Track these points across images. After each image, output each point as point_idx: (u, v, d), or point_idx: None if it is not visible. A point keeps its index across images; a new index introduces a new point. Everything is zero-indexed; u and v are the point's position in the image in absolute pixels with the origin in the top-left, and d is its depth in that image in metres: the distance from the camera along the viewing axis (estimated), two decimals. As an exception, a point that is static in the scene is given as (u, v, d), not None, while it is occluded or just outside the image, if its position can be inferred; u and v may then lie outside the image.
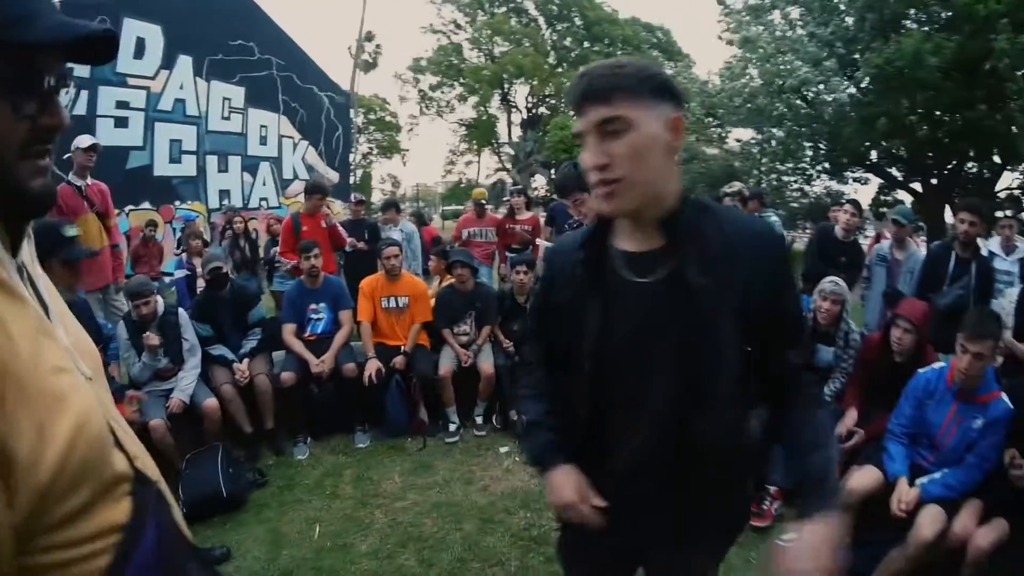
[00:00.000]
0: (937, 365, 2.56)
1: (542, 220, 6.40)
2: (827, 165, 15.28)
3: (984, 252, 4.26)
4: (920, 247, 4.84)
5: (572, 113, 1.11)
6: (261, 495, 3.33)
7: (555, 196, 5.68)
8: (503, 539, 2.86)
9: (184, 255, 6.44)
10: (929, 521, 2.27)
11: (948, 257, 3.70)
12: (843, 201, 4.71)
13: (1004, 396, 2.37)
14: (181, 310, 3.73)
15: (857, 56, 11.74)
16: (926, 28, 11.23)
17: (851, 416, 2.93)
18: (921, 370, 2.58)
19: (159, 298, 3.57)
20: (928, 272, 3.80)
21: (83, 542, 0.65)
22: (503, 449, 3.88)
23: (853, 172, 16.05)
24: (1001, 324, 2.53)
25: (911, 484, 2.39)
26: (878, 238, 6.04)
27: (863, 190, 17.01)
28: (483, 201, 6.32)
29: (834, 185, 16.56)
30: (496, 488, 3.38)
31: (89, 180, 4.32)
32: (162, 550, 0.74)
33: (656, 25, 29.26)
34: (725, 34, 14.67)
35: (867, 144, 13.18)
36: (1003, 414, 2.33)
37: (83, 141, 4.30)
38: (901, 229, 4.29)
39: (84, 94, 7.46)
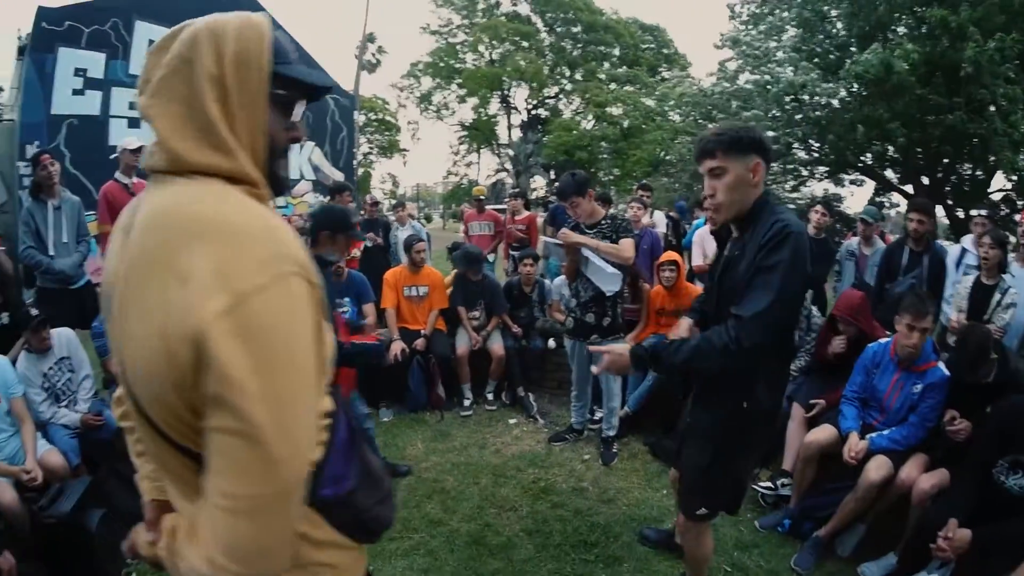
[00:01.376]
0: (883, 340, 2.98)
1: (540, 220, 6.93)
2: (823, 168, 15.62)
3: (959, 247, 4.60)
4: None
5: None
6: (297, 459, 3.74)
7: (555, 198, 6.22)
8: (515, 490, 3.30)
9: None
10: (876, 467, 2.65)
11: (902, 251, 4.12)
12: (815, 203, 5.12)
13: (941, 364, 2.79)
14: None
15: (848, 61, 12.06)
16: (914, 34, 11.54)
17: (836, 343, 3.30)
18: (870, 344, 3.00)
19: None
20: (885, 265, 4.22)
21: (320, 418, 0.90)
22: (512, 420, 4.35)
23: (849, 175, 16.40)
24: (934, 305, 2.93)
25: (862, 438, 2.78)
26: (853, 235, 6.46)
27: (859, 192, 17.36)
28: (482, 198, 6.89)
29: (832, 187, 16.96)
30: (507, 451, 3.83)
31: (134, 178, 4.53)
32: (351, 435, 1.00)
33: (652, 26, 29.56)
34: (719, 40, 15.07)
35: (853, 148, 13.55)
36: (939, 380, 2.74)
37: (130, 143, 4.55)
38: (868, 227, 4.71)
39: (98, 95, 7.50)
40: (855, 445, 2.74)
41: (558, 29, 28.83)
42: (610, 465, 3.61)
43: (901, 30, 12.18)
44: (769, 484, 3.15)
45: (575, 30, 28.55)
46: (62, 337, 3.25)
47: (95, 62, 7.52)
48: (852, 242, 4.95)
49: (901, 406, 2.81)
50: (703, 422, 1.95)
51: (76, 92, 7.38)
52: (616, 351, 1.84)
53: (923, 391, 2.75)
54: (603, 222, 3.50)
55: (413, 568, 2.65)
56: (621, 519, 2.98)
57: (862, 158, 14.75)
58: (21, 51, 7.33)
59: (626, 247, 3.40)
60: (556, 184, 3.80)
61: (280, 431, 0.70)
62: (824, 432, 2.92)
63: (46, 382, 3.13)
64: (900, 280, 4.01)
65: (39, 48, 6.99)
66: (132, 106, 8.06)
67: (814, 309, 3.70)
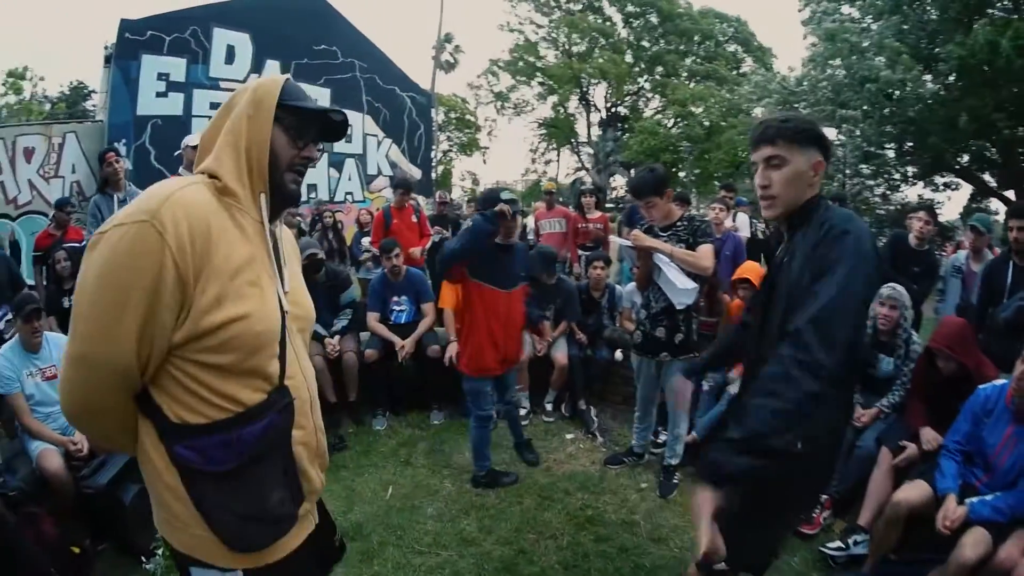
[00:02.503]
0: (999, 382, 2.52)
1: (613, 220, 6.61)
2: (915, 169, 14.30)
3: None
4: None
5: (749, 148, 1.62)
6: (340, 457, 3.69)
7: (629, 199, 5.88)
8: (559, 515, 3.09)
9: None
10: (972, 542, 2.22)
11: (1006, 268, 3.51)
12: (916, 208, 4.50)
13: (1068, 421, 2.35)
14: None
15: (939, 50, 10.90)
16: (1015, 16, 10.29)
17: (929, 434, 2.80)
18: (982, 386, 2.55)
19: None
20: (986, 285, 3.63)
21: (214, 393, 1.04)
22: (568, 436, 4.13)
23: (943, 177, 14.96)
24: None
25: (960, 502, 2.36)
26: (957, 248, 5.70)
27: (954, 197, 15.81)
28: (552, 191, 6.59)
29: (925, 192, 15.58)
30: (558, 470, 3.62)
31: None
32: (260, 441, 1.07)
33: (731, 17, 28.22)
34: (808, 25, 14.05)
35: (954, 146, 12.24)
36: (1063, 439, 2.29)
37: (192, 139, 4.66)
38: (979, 238, 4.06)
39: (180, 97, 8.13)
40: (952, 512, 2.33)
41: (634, 24, 28.06)
42: (668, 498, 3.31)
43: (997, 13, 10.87)
44: (840, 544, 2.75)
45: (652, 22, 27.71)
46: None
47: (176, 67, 8.15)
48: (959, 256, 4.31)
49: (1012, 467, 2.36)
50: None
51: (159, 95, 8.02)
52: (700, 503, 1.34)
53: (1042, 451, 2.31)
54: (678, 224, 3.16)
55: (434, 586, 2.54)
56: (670, 563, 2.70)
57: (958, 159, 13.34)
58: (107, 59, 8.03)
59: (704, 255, 3.03)
60: (631, 181, 3.50)
61: (85, 321, 0.98)
62: (916, 490, 2.51)
63: (102, 362, 3.35)
64: (1005, 303, 3.40)
65: (123, 56, 7.65)
66: (212, 106, 8.52)
67: (914, 334, 3.20)
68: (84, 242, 4.94)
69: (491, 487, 3.36)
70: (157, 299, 0.97)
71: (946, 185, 15.56)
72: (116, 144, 6.79)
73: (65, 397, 1.05)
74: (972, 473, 2.50)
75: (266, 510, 1.10)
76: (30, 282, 5.70)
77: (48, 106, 22.94)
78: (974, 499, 2.36)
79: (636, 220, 5.85)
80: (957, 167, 13.95)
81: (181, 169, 4.60)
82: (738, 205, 6.20)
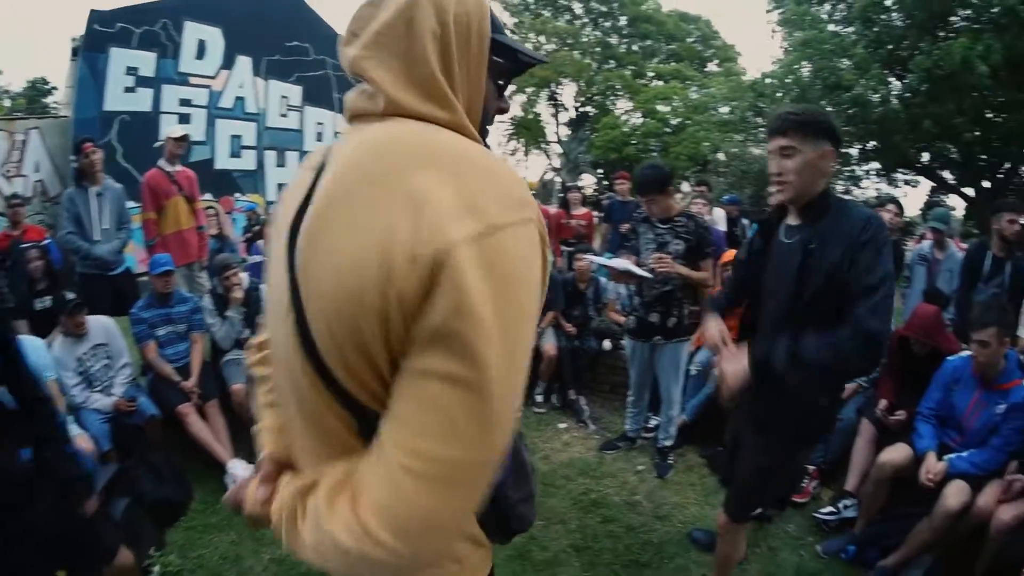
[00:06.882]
0: (964, 353, 2.76)
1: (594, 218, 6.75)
2: (876, 166, 14.93)
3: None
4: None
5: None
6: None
7: (605, 195, 5.99)
8: (564, 501, 3.20)
9: (258, 242, 6.93)
10: (954, 492, 2.46)
11: (984, 257, 3.81)
12: (885, 201, 4.81)
13: (1027, 383, 2.57)
14: (263, 286, 4.10)
15: (905, 54, 11.44)
16: (976, 26, 10.87)
17: (881, 405, 3.05)
18: (949, 358, 2.80)
19: (245, 274, 3.87)
20: (966, 272, 3.93)
21: None
22: (561, 425, 4.24)
23: (904, 174, 15.63)
24: (1006, 314, 2.64)
25: (939, 459, 2.57)
26: (920, 239, 6.09)
27: (913, 193, 16.58)
28: (532, 192, 6.69)
29: (884, 187, 16.25)
30: (556, 458, 3.73)
31: (178, 166, 4.52)
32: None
33: (694, 16, 28.91)
34: (777, 28, 14.51)
35: (916, 146, 12.85)
36: (1024, 400, 2.50)
37: (175, 132, 4.52)
38: (940, 234, 4.40)
39: (149, 92, 7.87)
40: (933, 467, 2.55)
41: (604, 25, 28.48)
42: (665, 478, 3.46)
43: (959, 22, 11.49)
44: (832, 508, 2.96)
45: (620, 24, 28.19)
46: (100, 324, 3.22)
47: (146, 61, 7.87)
48: (924, 246, 4.61)
49: (981, 427, 2.60)
50: (771, 422, 1.90)
51: (128, 90, 7.73)
52: (731, 369, 1.77)
53: (1006, 412, 2.54)
54: (677, 219, 3.30)
55: (449, 579, 2.58)
56: (676, 538, 2.85)
57: (919, 157, 14.01)
58: (75, 52, 7.75)
59: (708, 269, 3.34)
60: (635, 178, 3.62)
61: (506, 388, 0.62)
62: (899, 452, 2.73)
63: (80, 366, 3.12)
64: (980, 287, 3.72)
65: (92, 48, 7.35)
66: (182, 102, 8.31)
67: None
68: (46, 240, 4.60)
69: None
70: None
71: (906, 182, 16.31)
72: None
73: (441, 536, 0.66)
74: (947, 435, 2.73)
75: (531, 480, 0.98)
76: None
77: (8, 102, 21.77)
78: (952, 455, 2.59)
79: (615, 216, 6.03)
80: (918, 165, 14.58)
81: (161, 162, 4.45)
82: (732, 203, 6.56)
